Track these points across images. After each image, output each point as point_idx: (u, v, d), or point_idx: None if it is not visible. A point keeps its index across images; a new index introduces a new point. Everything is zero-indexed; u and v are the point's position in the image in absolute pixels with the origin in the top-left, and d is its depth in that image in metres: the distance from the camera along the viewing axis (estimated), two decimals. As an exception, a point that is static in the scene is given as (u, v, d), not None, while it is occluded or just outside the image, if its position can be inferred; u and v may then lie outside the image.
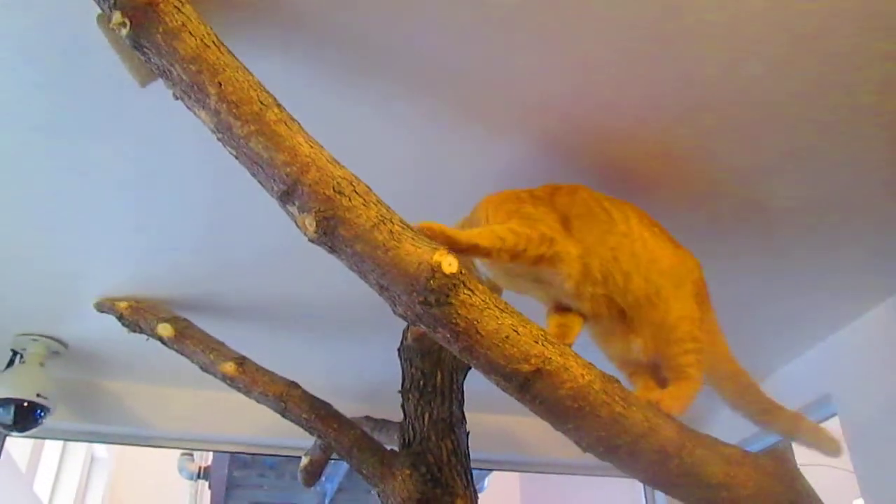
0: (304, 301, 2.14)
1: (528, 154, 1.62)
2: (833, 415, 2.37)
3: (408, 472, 1.77)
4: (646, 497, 2.87)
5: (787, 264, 2.00)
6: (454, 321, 1.15)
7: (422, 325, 1.18)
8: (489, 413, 2.74)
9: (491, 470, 3.16)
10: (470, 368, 2.01)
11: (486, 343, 1.17)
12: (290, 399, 1.82)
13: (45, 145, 1.56)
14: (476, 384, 1.98)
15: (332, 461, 3.95)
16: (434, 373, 1.91)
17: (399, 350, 1.99)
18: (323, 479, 4.69)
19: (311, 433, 1.85)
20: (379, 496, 1.81)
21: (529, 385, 1.20)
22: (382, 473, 1.78)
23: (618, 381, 1.29)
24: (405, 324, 1.97)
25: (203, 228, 1.83)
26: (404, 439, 1.88)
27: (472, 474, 1.85)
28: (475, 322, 1.16)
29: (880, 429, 2.16)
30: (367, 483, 1.83)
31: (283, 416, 1.84)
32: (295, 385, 1.86)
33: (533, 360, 1.19)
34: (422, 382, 1.90)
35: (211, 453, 4.24)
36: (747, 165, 1.64)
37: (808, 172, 1.66)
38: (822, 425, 1.49)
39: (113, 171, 1.63)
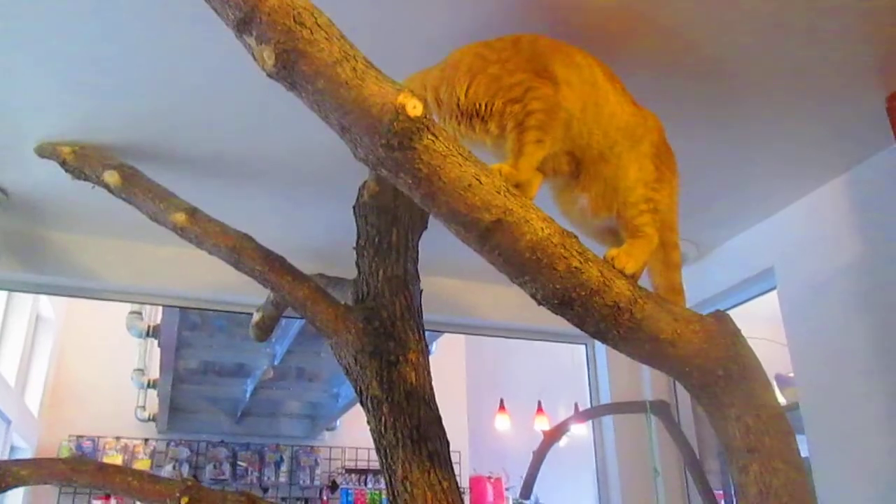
0: (258, 154, 2.08)
1: (494, 7, 1.55)
2: (772, 288, 2.46)
3: (361, 325, 1.78)
4: (587, 360, 2.99)
5: (743, 134, 2.00)
6: (417, 166, 1.12)
7: (383, 170, 1.15)
8: (440, 276, 2.78)
9: (439, 332, 3.23)
10: (425, 228, 2.01)
11: (448, 190, 1.15)
12: (244, 251, 1.80)
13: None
14: (429, 247, 2.00)
15: (283, 320, 3.99)
16: (389, 230, 1.89)
17: (354, 208, 1.97)
18: (273, 340, 4.76)
19: (264, 285, 1.84)
20: (332, 348, 1.84)
21: (490, 235, 1.19)
22: (336, 327, 1.79)
23: (576, 237, 1.29)
24: (360, 181, 1.95)
25: (152, 68, 1.72)
26: (358, 295, 1.88)
27: (423, 330, 1.88)
28: (438, 168, 1.13)
29: (815, 305, 2.25)
30: (320, 335, 1.84)
31: (236, 267, 1.82)
32: (248, 237, 1.82)
33: (494, 211, 1.18)
34: (377, 239, 1.89)
35: (160, 312, 4.24)
36: (713, 25, 1.60)
37: (771, 38, 1.63)
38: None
39: (50, 2, 1.51)
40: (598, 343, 2.98)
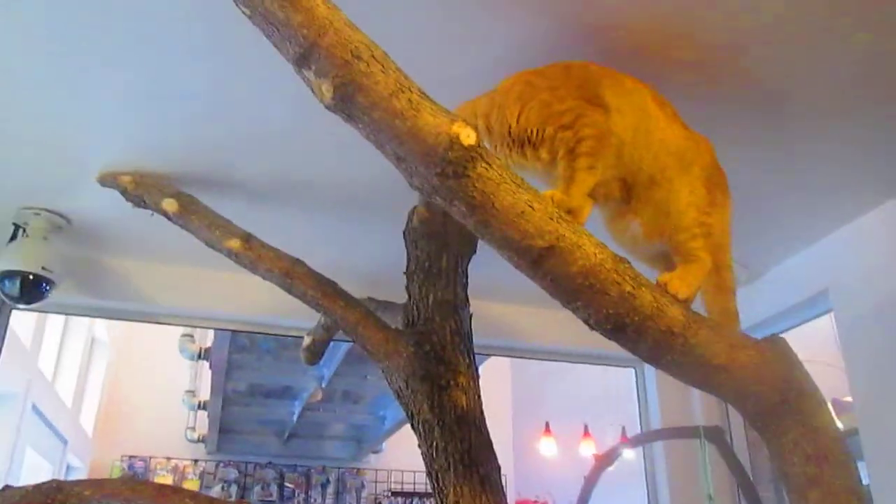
0: (311, 181, 2.13)
1: (542, 33, 1.57)
2: (829, 310, 2.41)
3: (412, 350, 1.80)
4: (636, 384, 2.96)
5: (793, 156, 1.98)
6: (471, 194, 1.14)
7: (438, 199, 1.17)
8: (488, 301, 2.78)
9: (487, 355, 3.23)
10: (474, 252, 2.03)
11: (501, 217, 1.16)
12: (296, 275, 1.83)
13: (44, 15, 1.50)
14: (477, 271, 2.01)
15: (333, 343, 4.03)
16: (439, 255, 1.91)
17: (404, 233, 1.99)
18: (321, 362, 4.82)
19: (316, 310, 1.87)
20: (383, 372, 1.86)
21: (542, 261, 1.20)
22: (387, 351, 1.81)
23: (629, 262, 1.30)
24: (410, 207, 1.98)
25: (209, 100, 1.79)
26: (408, 319, 1.90)
27: (473, 354, 1.89)
28: (491, 196, 1.15)
29: (872, 327, 2.20)
30: (371, 359, 1.86)
31: (289, 292, 1.85)
32: (301, 262, 1.86)
33: (547, 237, 1.19)
34: (427, 264, 1.91)
35: (211, 335, 4.32)
36: (760, 46, 1.59)
37: (819, 55, 1.62)
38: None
39: (114, 39, 1.58)
40: (647, 366, 2.96)
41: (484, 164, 1.14)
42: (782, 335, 1.48)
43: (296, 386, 5.37)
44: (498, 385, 6.53)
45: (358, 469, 6.71)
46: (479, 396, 1.83)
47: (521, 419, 6.65)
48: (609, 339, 1.32)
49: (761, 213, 2.24)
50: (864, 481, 1.82)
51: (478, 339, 1.99)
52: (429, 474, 1.75)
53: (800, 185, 2.11)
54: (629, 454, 4.91)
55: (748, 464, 2.48)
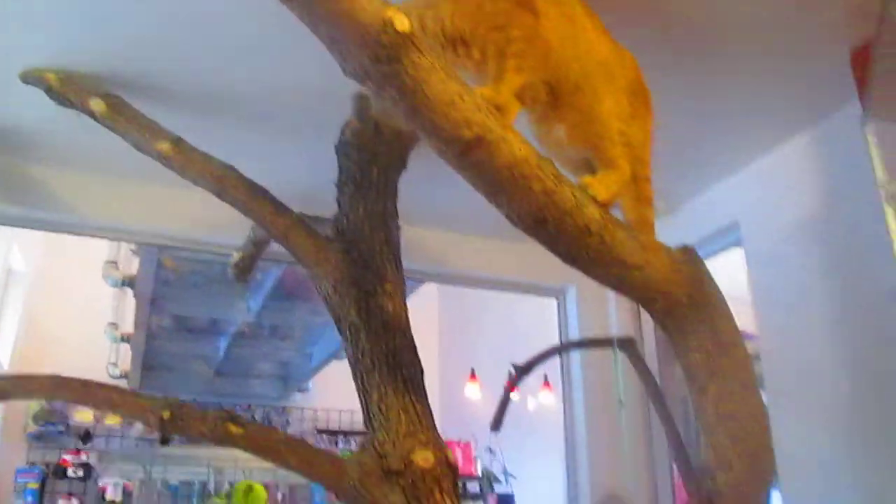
0: (241, 91, 2.11)
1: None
2: (739, 243, 2.54)
3: (340, 256, 1.84)
4: (559, 313, 3.07)
5: (709, 89, 2.06)
6: (402, 80, 1.17)
7: (370, 84, 1.20)
8: (419, 226, 2.83)
9: (419, 281, 3.30)
10: (404, 167, 2.06)
11: (431, 105, 1.20)
12: (228, 180, 1.84)
13: None
14: (408, 197, 2.05)
15: (259, 274, 4.01)
16: (369, 167, 1.94)
17: (336, 146, 2.01)
18: (247, 295, 4.80)
19: (246, 215, 1.88)
20: (312, 279, 1.89)
21: (469, 152, 1.25)
22: (316, 257, 1.84)
23: (551, 161, 1.36)
24: (342, 122, 1.99)
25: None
26: (338, 229, 1.93)
27: (400, 264, 1.93)
28: (422, 83, 1.18)
29: (778, 259, 2.33)
30: (300, 265, 1.89)
31: (220, 197, 1.85)
32: (232, 168, 1.86)
33: (474, 128, 1.23)
34: (357, 176, 1.94)
35: (136, 263, 4.25)
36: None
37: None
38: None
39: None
40: (568, 296, 3.08)
41: (416, 52, 1.17)
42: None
43: (223, 320, 5.34)
44: (424, 329, 6.63)
45: (284, 407, 6.73)
46: (405, 304, 1.89)
47: (446, 364, 6.78)
48: (530, 234, 1.38)
49: (677, 145, 2.32)
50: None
51: (407, 264, 2.04)
52: (354, 376, 1.80)
53: (715, 117, 2.20)
54: (550, 400, 5.08)
55: (659, 376, 2.67)
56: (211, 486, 5.95)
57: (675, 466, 2.08)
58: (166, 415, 1.59)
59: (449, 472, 1.68)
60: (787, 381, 2.26)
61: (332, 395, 6.45)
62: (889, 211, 1.67)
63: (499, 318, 5.80)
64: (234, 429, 1.59)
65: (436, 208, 2.71)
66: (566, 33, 1.45)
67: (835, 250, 2.14)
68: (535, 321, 3.79)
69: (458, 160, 1.27)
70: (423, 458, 1.64)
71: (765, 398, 2.22)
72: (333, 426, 6.71)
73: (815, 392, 2.14)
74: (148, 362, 5.88)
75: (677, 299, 1.52)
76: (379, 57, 1.14)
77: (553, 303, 3.11)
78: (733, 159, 2.44)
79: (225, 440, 1.60)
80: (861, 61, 1.80)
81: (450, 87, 1.21)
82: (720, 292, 1.59)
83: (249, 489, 5.78)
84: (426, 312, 6.45)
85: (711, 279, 1.59)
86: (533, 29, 1.40)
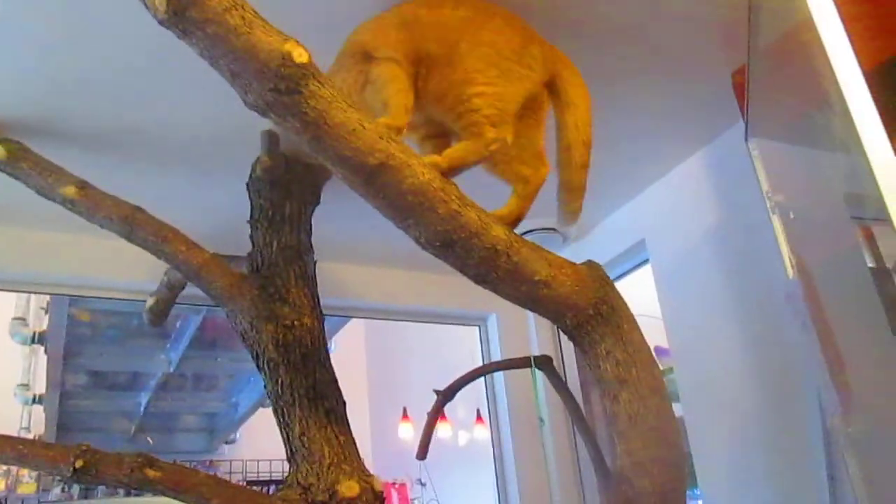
0: (146, 131, 2.08)
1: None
2: (646, 260, 2.66)
3: (256, 292, 1.83)
4: (480, 341, 3.12)
5: (612, 114, 2.15)
6: (304, 110, 1.21)
7: (272, 115, 1.23)
8: (338, 262, 2.85)
9: (339, 317, 3.29)
10: (318, 202, 2.09)
11: (333, 134, 1.24)
12: (136, 221, 1.81)
13: None
14: (324, 233, 2.07)
15: (178, 323, 3.93)
16: (282, 203, 1.96)
17: (248, 184, 2.02)
18: (167, 346, 4.68)
19: (157, 256, 1.86)
20: (228, 317, 1.88)
21: (374, 178, 1.29)
22: (232, 293, 1.83)
23: (455, 184, 1.41)
24: (253, 159, 2.01)
25: (36, 40, 1.73)
26: (253, 266, 1.93)
27: (318, 298, 1.94)
28: (324, 112, 1.22)
29: (682, 273, 2.45)
30: (215, 303, 1.88)
31: (129, 239, 1.83)
32: (140, 209, 1.84)
33: (378, 155, 1.28)
34: (270, 213, 1.95)
35: (46, 319, 4.10)
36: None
37: (629, 16, 1.79)
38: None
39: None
40: (489, 323, 3.13)
41: (316, 83, 1.21)
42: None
43: (142, 374, 5.18)
44: (353, 370, 6.57)
45: (211, 461, 6.54)
46: (324, 338, 1.89)
47: (377, 404, 6.72)
48: (440, 257, 1.42)
49: (590, 169, 2.42)
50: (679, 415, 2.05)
51: (328, 300, 2.05)
52: (275, 412, 1.79)
53: (619, 141, 2.30)
54: (483, 434, 5.11)
55: (580, 393, 2.76)
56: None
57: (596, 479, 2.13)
58: (79, 463, 1.54)
59: (374, 500, 1.68)
60: (700, 390, 2.35)
61: (261, 445, 6.31)
62: (775, 220, 1.78)
63: (426, 352, 5.81)
64: (151, 473, 1.55)
65: (354, 243, 2.73)
66: None
67: (733, 260, 2.26)
68: (462, 352, 3.83)
69: (364, 187, 1.31)
70: (348, 487, 1.65)
71: (680, 410, 2.31)
72: (264, 476, 6.55)
73: (726, 397, 2.23)
74: (64, 423, 5.63)
75: (585, 312, 1.58)
76: (279, 89, 1.18)
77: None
78: (637, 180, 2.56)
79: (143, 484, 1.56)
80: (741, 83, 1.93)
81: (351, 116, 1.25)
82: (625, 303, 1.66)
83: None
84: (353, 352, 6.40)
85: (616, 291, 1.66)
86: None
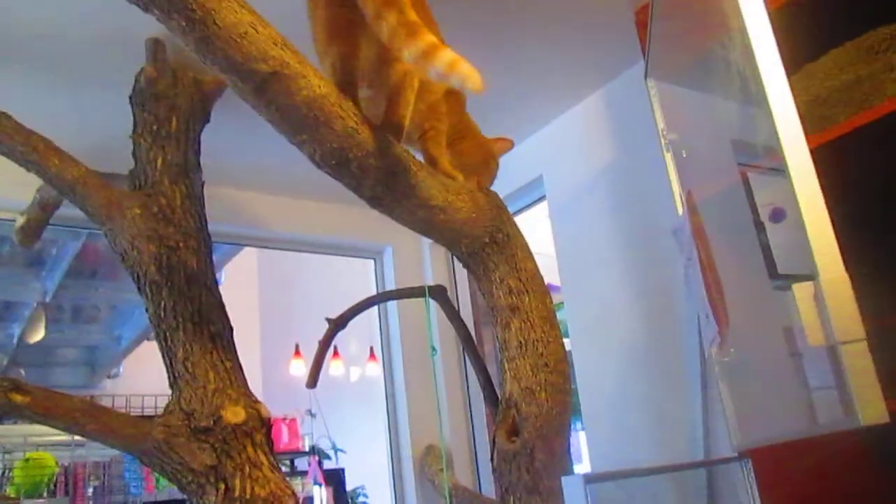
0: (11, 31, 1.88)
1: None
2: (543, 197, 2.68)
3: (138, 210, 1.73)
4: (375, 274, 3.09)
5: (514, 55, 2.13)
6: (190, 7, 1.12)
7: (156, 11, 1.13)
8: (231, 188, 2.72)
9: (232, 244, 3.17)
10: (207, 120, 1.98)
11: (223, 36, 1.15)
12: (2, 129, 1.67)
13: None
14: (218, 156, 1.95)
15: (54, 250, 3.70)
16: (168, 118, 1.85)
17: (131, 97, 1.89)
18: (43, 274, 4.41)
19: (27, 168, 1.72)
20: (106, 235, 1.76)
21: (266, 87, 1.21)
22: (110, 212, 1.72)
23: (353, 101, 1.34)
24: (135, 70, 1.87)
25: None
26: (135, 184, 1.82)
27: (205, 219, 1.86)
28: (212, 11, 1.13)
29: (577, 209, 2.48)
30: (92, 221, 1.76)
31: (-7, 148, 1.68)
32: (6, 114, 1.69)
33: (271, 62, 1.20)
34: (155, 127, 1.84)
35: None
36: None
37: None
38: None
39: None
40: (385, 256, 3.10)
41: (203, -23, 1.12)
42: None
43: (14, 303, 4.87)
44: (244, 303, 6.42)
45: (92, 396, 6.28)
46: (211, 260, 1.82)
47: (269, 338, 6.62)
48: (334, 177, 1.37)
49: (487, 107, 2.39)
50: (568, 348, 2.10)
51: (219, 227, 1.95)
52: (157, 336, 1.72)
53: (521, 77, 2.28)
54: (375, 371, 5.12)
55: (473, 324, 2.79)
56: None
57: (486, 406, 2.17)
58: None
59: (261, 426, 1.65)
60: (588, 324, 2.41)
61: (147, 379, 6.10)
62: (668, 157, 1.81)
63: (321, 286, 5.73)
64: (18, 397, 1.46)
65: (247, 168, 2.61)
66: None
67: (624, 197, 2.30)
68: (358, 287, 3.80)
69: (255, 96, 1.23)
70: (234, 413, 1.60)
71: (569, 345, 2.37)
72: (149, 411, 6.36)
73: (612, 331, 2.30)
74: (-72, 356, 5.27)
75: (481, 239, 1.58)
76: (163, -18, 1.08)
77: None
78: (537, 117, 2.55)
79: (10, 411, 1.47)
80: (643, 22, 1.94)
81: (242, 18, 1.17)
82: (520, 232, 1.66)
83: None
84: (244, 285, 6.23)
85: (512, 219, 1.66)
86: None
